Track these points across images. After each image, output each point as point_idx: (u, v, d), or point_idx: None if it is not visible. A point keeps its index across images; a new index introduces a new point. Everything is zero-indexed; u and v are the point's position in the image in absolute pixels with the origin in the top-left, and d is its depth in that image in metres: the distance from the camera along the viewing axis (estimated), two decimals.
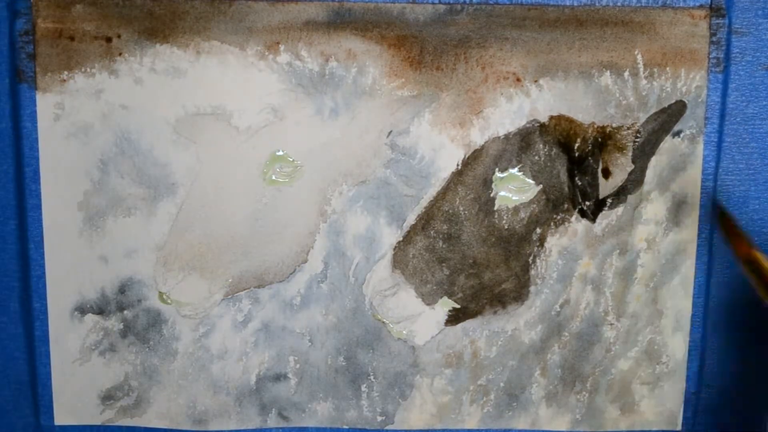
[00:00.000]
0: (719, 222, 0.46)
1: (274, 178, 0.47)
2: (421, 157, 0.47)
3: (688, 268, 0.48)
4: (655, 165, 0.47)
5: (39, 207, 0.47)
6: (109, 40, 0.45)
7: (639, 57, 0.46)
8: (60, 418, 0.49)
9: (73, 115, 0.46)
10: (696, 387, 0.50)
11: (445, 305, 0.48)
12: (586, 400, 0.50)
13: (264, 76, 0.46)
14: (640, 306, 0.48)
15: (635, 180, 0.47)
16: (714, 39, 0.46)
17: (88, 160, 0.46)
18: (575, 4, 0.45)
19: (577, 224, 0.48)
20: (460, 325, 0.49)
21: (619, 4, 0.45)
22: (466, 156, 0.47)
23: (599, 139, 0.47)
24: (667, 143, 0.47)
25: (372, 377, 0.49)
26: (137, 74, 0.46)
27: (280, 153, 0.47)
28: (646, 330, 0.49)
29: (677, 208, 0.47)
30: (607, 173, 0.47)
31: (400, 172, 0.47)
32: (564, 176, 0.47)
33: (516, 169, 0.47)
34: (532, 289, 0.48)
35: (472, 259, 0.48)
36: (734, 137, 0.47)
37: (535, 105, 0.46)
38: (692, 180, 0.47)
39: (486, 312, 0.49)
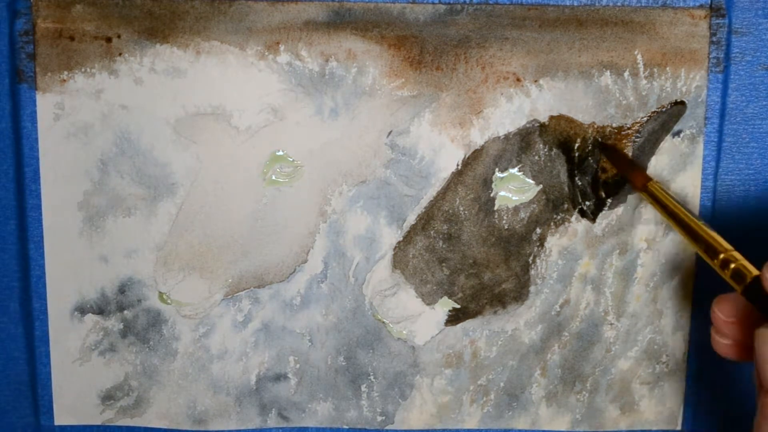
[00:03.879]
0: (611, 158, 0.46)
1: (274, 178, 0.47)
2: (421, 157, 0.47)
3: (687, 267, 0.48)
4: (655, 165, 0.47)
5: (39, 207, 0.47)
6: (109, 40, 0.45)
7: (639, 57, 0.46)
8: (60, 418, 0.49)
9: (73, 115, 0.46)
10: (696, 387, 0.50)
11: (445, 305, 0.48)
12: (586, 400, 0.50)
13: (264, 76, 0.46)
14: (640, 306, 0.49)
15: None
16: (714, 39, 0.46)
17: (88, 160, 0.46)
18: (575, 4, 0.45)
19: (577, 224, 0.48)
20: (460, 325, 0.49)
21: (619, 4, 0.46)
22: (466, 156, 0.47)
23: (599, 139, 0.47)
24: (667, 143, 0.47)
25: (372, 377, 0.49)
26: (137, 74, 0.46)
27: (280, 153, 0.47)
28: (646, 330, 0.49)
29: None
30: (606, 173, 0.47)
31: (400, 172, 0.47)
32: (564, 176, 0.47)
33: (516, 169, 0.47)
34: (532, 289, 0.48)
35: (472, 259, 0.48)
36: (734, 137, 0.47)
37: (535, 105, 0.46)
38: (692, 180, 0.47)
39: (486, 312, 0.49)
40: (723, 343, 0.42)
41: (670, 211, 0.43)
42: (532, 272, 0.48)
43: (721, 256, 0.41)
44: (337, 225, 0.47)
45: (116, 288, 0.48)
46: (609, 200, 0.47)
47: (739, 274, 0.40)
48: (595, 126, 0.46)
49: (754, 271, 0.40)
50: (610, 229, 0.48)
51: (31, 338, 0.49)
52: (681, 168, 0.47)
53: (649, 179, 0.45)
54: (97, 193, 0.47)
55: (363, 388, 0.49)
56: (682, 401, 0.50)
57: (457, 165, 0.47)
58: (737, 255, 0.41)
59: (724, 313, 0.41)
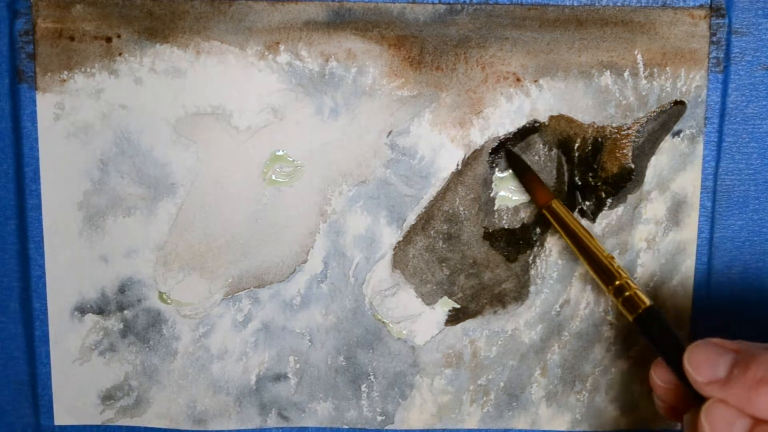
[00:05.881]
0: (516, 169, 0.47)
1: (274, 178, 0.47)
2: (421, 157, 0.47)
3: (687, 267, 0.48)
4: (655, 165, 0.47)
5: (39, 207, 0.47)
6: (109, 40, 0.45)
7: (639, 57, 0.46)
8: (60, 418, 0.49)
9: (73, 115, 0.46)
10: None
11: (445, 305, 0.48)
12: (586, 399, 0.50)
13: (264, 76, 0.46)
14: None
15: (635, 180, 0.47)
16: (714, 39, 0.46)
17: (88, 160, 0.47)
18: (575, 3, 0.45)
19: None
20: (460, 325, 0.49)
21: (619, 4, 0.46)
22: (466, 156, 0.47)
23: (599, 139, 0.47)
24: (667, 143, 0.47)
25: (372, 377, 0.49)
26: (137, 74, 0.46)
27: (280, 153, 0.47)
28: None
29: (677, 208, 0.48)
30: (606, 173, 0.47)
31: (400, 172, 0.47)
32: (564, 176, 0.47)
33: None
34: (532, 288, 0.48)
35: (472, 259, 0.48)
36: (734, 137, 0.47)
37: (535, 105, 0.46)
38: (692, 180, 0.47)
39: (486, 312, 0.49)
40: (661, 405, 0.42)
41: (570, 232, 0.45)
42: (532, 272, 0.48)
43: (617, 282, 0.43)
44: (337, 225, 0.47)
45: (116, 288, 0.48)
46: (609, 200, 0.47)
47: (631, 303, 0.42)
48: (595, 126, 0.47)
49: (647, 302, 0.42)
50: (610, 229, 0.48)
51: (31, 338, 0.49)
52: (681, 168, 0.47)
53: (553, 197, 0.45)
54: (97, 192, 0.47)
55: (363, 388, 0.49)
56: None
57: (457, 165, 0.47)
58: (632, 284, 0.42)
59: (660, 378, 0.41)
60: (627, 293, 0.42)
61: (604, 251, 0.44)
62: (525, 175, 0.46)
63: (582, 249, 0.44)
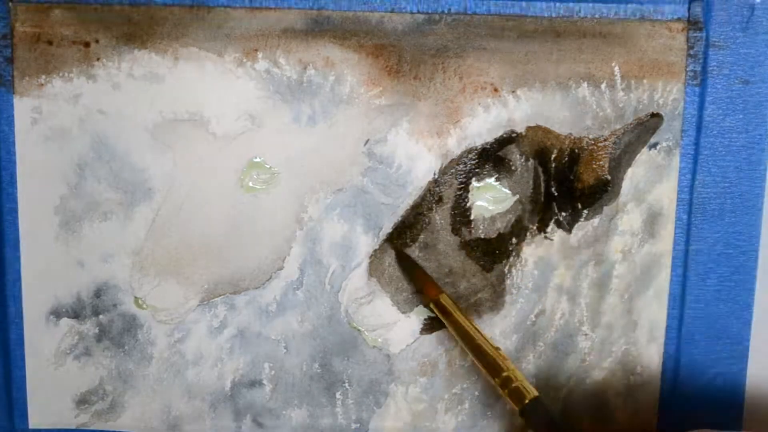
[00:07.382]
0: (403, 266, 0.47)
1: (251, 184, 0.47)
2: (398, 165, 0.47)
3: (663, 279, 0.48)
4: (632, 177, 0.47)
5: (15, 211, 0.47)
6: (87, 45, 0.45)
7: (616, 69, 0.46)
8: (34, 422, 0.49)
9: (51, 120, 0.46)
10: (670, 398, 0.50)
11: (420, 314, 0.48)
12: (560, 409, 0.50)
13: (242, 83, 0.46)
14: (615, 317, 0.49)
15: (611, 191, 0.47)
16: (691, 52, 0.46)
17: (65, 165, 0.46)
18: (553, 15, 0.46)
19: (553, 235, 0.48)
20: (435, 334, 0.49)
21: (597, 16, 0.46)
22: (443, 165, 0.47)
23: (576, 150, 0.47)
24: (644, 155, 0.47)
25: (347, 385, 0.49)
26: (115, 79, 0.46)
27: (258, 160, 0.47)
28: (620, 341, 0.49)
29: (653, 220, 0.48)
30: (583, 184, 0.47)
31: (377, 180, 0.47)
32: (540, 187, 0.47)
33: (493, 179, 0.47)
34: (507, 298, 0.48)
35: (448, 268, 0.48)
36: (710, 150, 0.47)
37: (512, 115, 0.46)
38: (668, 192, 0.47)
39: None
40: None
41: (458, 326, 0.45)
42: (508, 282, 0.48)
43: (503, 374, 0.44)
44: (313, 232, 0.47)
45: (92, 292, 0.48)
46: (585, 211, 0.47)
47: (517, 394, 0.43)
48: (572, 137, 0.47)
49: (533, 392, 0.43)
50: (586, 239, 0.48)
51: (6, 341, 0.49)
52: (657, 180, 0.47)
53: (441, 292, 0.46)
54: (73, 197, 0.47)
55: (338, 395, 0.49)
56: (656, 412, 0.50)
57: (434, 174, 0.47)
58: (519, 375, 0.44)
59: None
60: (513, 384, 0.43)
61: (490, 342, 0.45)
62: (413, 272, 0.47)
63: (469, 341, 0.45)
